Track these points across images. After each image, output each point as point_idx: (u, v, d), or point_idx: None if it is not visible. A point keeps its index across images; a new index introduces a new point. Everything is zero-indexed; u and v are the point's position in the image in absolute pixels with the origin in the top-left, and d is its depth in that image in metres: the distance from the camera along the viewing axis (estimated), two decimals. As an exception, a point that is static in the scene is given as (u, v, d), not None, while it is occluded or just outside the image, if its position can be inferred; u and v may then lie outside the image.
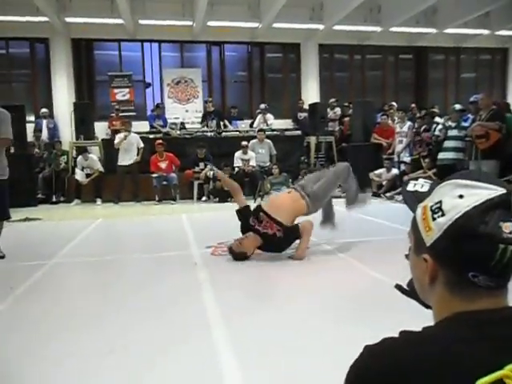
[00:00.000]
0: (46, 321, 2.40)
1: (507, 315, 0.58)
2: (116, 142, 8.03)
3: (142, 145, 8.16)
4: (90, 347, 2.03)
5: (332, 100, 10.57)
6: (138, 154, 8.12)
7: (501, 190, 0.58)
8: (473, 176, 0.61)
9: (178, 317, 2.40)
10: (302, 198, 3.67)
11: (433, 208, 0.62)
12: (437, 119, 8.17)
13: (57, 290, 3.02)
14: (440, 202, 0.61)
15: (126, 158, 8.01)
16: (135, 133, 8.33)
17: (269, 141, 8.61)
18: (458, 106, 6.99)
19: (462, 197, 0.59)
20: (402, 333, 0.61)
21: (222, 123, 9.67)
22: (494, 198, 0.57)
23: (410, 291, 0.76)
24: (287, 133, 9.49)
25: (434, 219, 0.61)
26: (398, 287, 0.80)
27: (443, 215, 0.60)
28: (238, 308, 2.52)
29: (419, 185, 0.72)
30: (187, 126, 9.70)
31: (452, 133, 6.75)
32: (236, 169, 8.17)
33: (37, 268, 3.45)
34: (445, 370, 0.52)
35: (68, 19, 9.76)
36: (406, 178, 7.18)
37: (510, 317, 0.57)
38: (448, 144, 6.75)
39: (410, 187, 0.73)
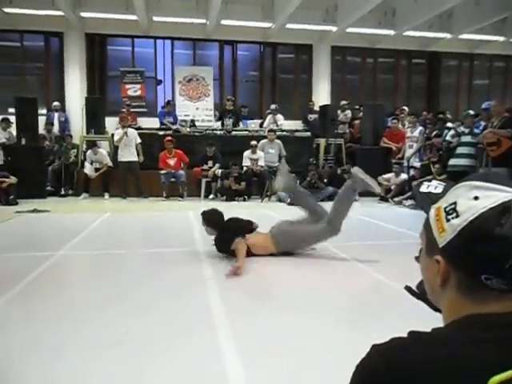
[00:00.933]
0: (48, 312, 2.41)
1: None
2: (116, 139, 8.07)
3: (139, 140, 8.18)
4: (91, 339, 2.04)
5: (343, 102, 10.54)
6: (137, 151, 8.14)
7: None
8: (487, 178, 0.60)
9: (181, 312, 2.39)
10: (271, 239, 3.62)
11: (447, 209, 0.61)
12: (448, 124, 8.11)
13: (61, 282, 3.03)
14: (455, 203, 0.60)
15: (126, 154, 8.05)
16: (139, 129, 8.36)
17: (279, 141, 8.60)
18: (472, 112, 6.93)
19: (477, 198, 0.58)
20: (411, 333, 0.60)
21: (238, 122, 9.74)
22: (510, 200, 0.56)
23: (419, 293, 0.75)
24: (297, 134, 9.47)
25: (448, 220, 0.60)
26: (408, 289, 0.79)
27: (457, 216, 0.59)
28: (242, 306, 2.52)
29: (433, 186, 0.71)
30: (197, 123, 9.73)
31: (465, 139, 6.69)
32: (244, 168, 8.17)
33: (43, 259, 3.46)
34: (454, 372, 0.51)
35: (83, 14, 9.84)
36: (414, 182, 7.14)
37: None
38: (461, 150, 6.68)
39: (424, 188, 0.72)
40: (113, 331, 2.13)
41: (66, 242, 4.15)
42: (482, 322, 0.57)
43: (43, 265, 3.34)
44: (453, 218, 0.59)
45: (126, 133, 8.00)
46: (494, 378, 0.47)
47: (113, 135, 8.99)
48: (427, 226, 0.65)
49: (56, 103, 9.89)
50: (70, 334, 2.11)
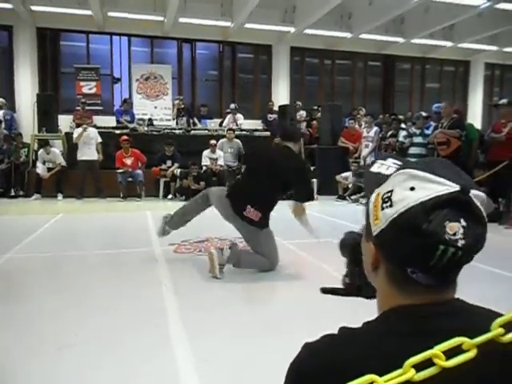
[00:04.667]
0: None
1: (444, 310, 0.57)
2: (75, 136, 7.82)
3: (99, 140, 7.97)
4: (38, 342, 1.96)
5: (298, 103, 10.62)
6: (97, 150, 7.93)
7: (454, 187, 0.54)
8: (430, 167, 0.57)
9: (136, 314, 2.34)
10: None
11: (384, 197, 0.58)
12: (402, 125, 8.40)
13: (8, 285, 2.89)
14: (391, 191, 0.58)
15: (86, 153, 7.80)
16: (98, 127, 8.14)
17: (238, 141, 8.60)
18: (423, 113, 7.22)
19: (413, 189, 0.55)
20: (341, 329, 0.60)
21: (191, 121, 9.65)
22: (444, 195, 0.54)
23: (332, 289, 0.77)
24: (256, 133, 9.51)
25: (382, 209, 0.58)
26: (323, 290, 0.81)
27: (391, 206, 0.56)
28: (196, 306, 2.50)
29: (385, 166, 0.64)
30: (155, 122, 9.56)
31: (417, 140, 6.98)
32: (204, 167, 8.11)
33: (-11, 263, 3.29)
34: (374, 366, 0.51)
35: (33, 7, 9.41)
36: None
37: (447, 312, 0.56)
38: (413, 151, 6.98)
39: (375, 168, 0.66)
40: (61, 334, 2.05)
41: (15, 244, 3.96)
42: (407, 313, 0.57)
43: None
44: (387, 207, 0.57)
45: (85, 129, 7.75)
46: (413, 359, 0.48)
47: (66, 134, 8.69)
48: (367, 210, 0.63)
49: (1, 100, 9.37)
50: (17, 337, 2.02)
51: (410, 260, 0.56)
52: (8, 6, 9.02)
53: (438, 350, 0.47)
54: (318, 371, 0.55)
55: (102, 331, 2.11)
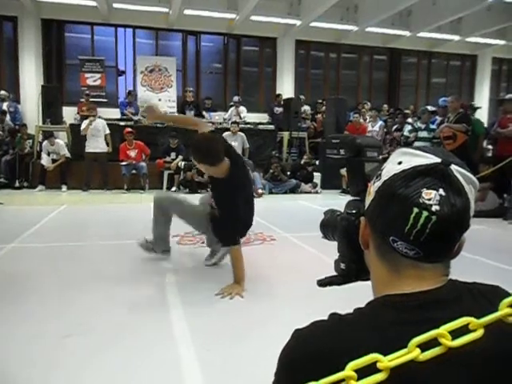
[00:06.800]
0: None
1: (435, 298, 0.56)
2: (82, 128, 7.81)
3: (107, 131, 7.97)
4: (41, 331, 1.97)
5: (301, 97, 10.57)
6: (106, 141, 7.93)
7: (435, 159, 0.56)
8: (421, 147, 0.60)
9: (139, 301, 2.35)
10: None
11: (377, 174, 0.61)
12: (408, 120, 8.35)
13: (12, 275, 2.90)
14: (383, 168, 0.61)
15: (94, 145, 7.81)
16: (103, 119, 8.14)
17: (242, 134, 8.57)
18: (430, 107, 7.15)
19: (400, 163, 0.58)
20: (331, 316, 0.60)
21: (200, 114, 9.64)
22: (424, 165, 0.56)
23: (333, 278, 0.76)
24: (260, 127, 9.47)
25: (373, 183, 0.61)
26: (320, 283, 0.79)
27: (379, 179, 0.60)
28: (198, 296, 2.50)
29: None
30: (160, 115, 9.53)
31: (422, 134, 6.92)
32: (208, 160, 8.08)
33: (-7, 252, 3.31)
34: (359, 356, 0.50)
35: (38, -2, 9.40)
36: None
37: (439, 299, 0.56)
38: (418, 145, 6.92)
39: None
40: (65, 323, 2.06)
41: (19, 234, 3.98)
42: (394, 302, 0.57)
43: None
44: (376, 181, 0.60)
45: (91, 122, 7.74)
46: (417, 338, 0.47)
47: (71, 125, 8.70)
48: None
49: (3, 92, 9.37)
50: (18, 327, 2.03)
51: (389, 227, 0.57)
52: (13, -4, 9.01)
53: (443, 329, 0.46)
54: (305, 359, 0.55)
55: (104, 322, 2.11)
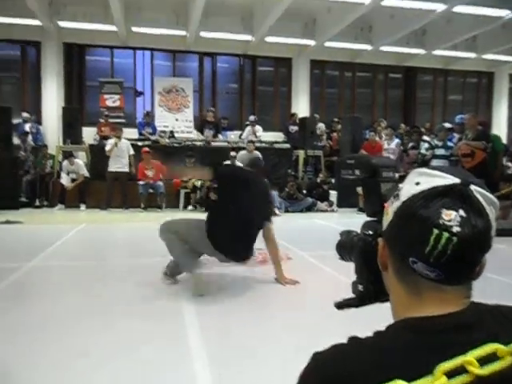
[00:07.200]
0: (13, 322, 2.33)
1: (457, 322, 0.55)
2: (107, 148, 7.93)
3: (132, 152, 8.10)
4: (57, 349, 1.97)
5: (316, 116, 10.60)
6: (130, 163, 8.05)
7: (455, 180, 0.56)
8: (439, 168, 0.60)
9: (152, 320, 2.34)
10: None
11: (394, 194, 0.62)
12: (424, 137, 8.30)
13: (30, 294, 2.94)
14: (401, 188, 0.61)
15: (116, 165, 7.93)
16: (126, 139, 8.29)
17: (258, 152, 8.61)
18: (447, 124, 7.10)
19: (418, 184, 0.58)
20: (350, 339, 0.59)
21: (218, 134, 9.80)
22: (443, 185, 0.56)
23: (351, 300, 0.75)
24: (276, 145, 9.53)
25: (391, 204, 0.61)
26: (338, 306, 0.78)
27: (398, 200, 0.60)
28: (215, 318, 2.48)
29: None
30: (176, 135, 9.69)
31: (439, 152, 6.86)
32: (224, 179, 8.12)
33: (13, 270, 3.35)
34: (379, 380, 0.49)
35: (61, 23, 9.73)
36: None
37: (460, 324, 0.54)
38: (435, 163, 6.83)
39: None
40: (81, 342, 2.06)
41: (38, 253, 4.03)
42: (415, 326, 0.56)
43: (13, 275, 3.23)
44: (395, 201, 0.60)
45: (117, 143, 7.89)
46: (445, 365, 0.46)
47: (90, 145, 8.88)
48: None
49: (26, 114, 9.67)
50: (33, 344, 2.04)
51: (409, 248, 0.57)
52: (37, 22, 9.36)
53: (471, 356, 0.45)
54: (324, 383, 0.54)
55: (120, 340, 2.11)
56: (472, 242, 0.53)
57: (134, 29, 9.98)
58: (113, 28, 9.68)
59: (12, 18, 9.35)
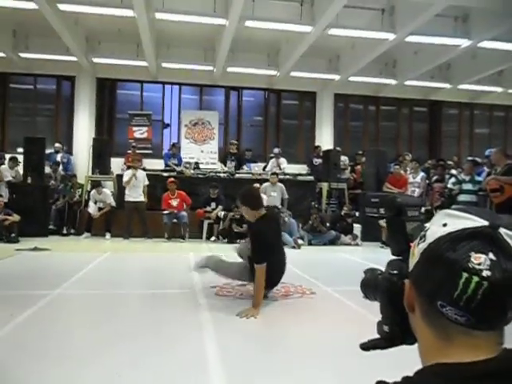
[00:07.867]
0: (39, 350, 2.35)
1: (487, 369, 0.53)
2: (125, 180, 8.11)
3: (147, 182, 8.28)
4: (81, 380, 1.97)
5: (337, 149, 10.60)
6: (143, 192, 8.21)
7: (482, 222, 0.55)
8: (465, 209, 0.59)
9: (176, 357, 2.32)
10: None
11: (421, 235, 0.61)
12: (452, 171, 8.17)
13: (57, 321, 2.97)
14: (428, 229, 0.60)
15: (134, 195, 8.09)
16: (143, 170, 8.49)
17: (281, 184, 8.64)
18: (477, 159, 7.01)
19: (445, 225, 0.57)
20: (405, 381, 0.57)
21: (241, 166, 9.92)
22: (471, 228, 0.55)
23: (377, 341, 0.73)
24: (300, 177, 9.55)
25: (418, 245, 0.60)
26: (363, 347, 0.77)
27: (424, 241, 0.59)
28: (239, 353, 2.44)
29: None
30: (201, 166, 9.86)
31: (466, 186, 6.74)
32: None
33: (40, 297, 3.41)
34: None
35: (95, 60, 10.24)
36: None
37: (492, 372, 0.53)
38: (463, 198, 6.73)
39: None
40: (104, 373, 2.06)
41: (64, 280, 4.10)
42: (446, 373, 0.54)
43: (40, 302, 3.29)
44: (421, 242, 0.59)
45: (135, 175, 8.08)
46: None
47: (118, 176, 9.11)
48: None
49: (58, 144, 10.08)
50: (61, 373, 2.05)
51: (437, 291, 0.55)
52: (73, 58, 9.87)
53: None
54: None
55: (140, 375, 2.09)
56: (503, 286, 0.52)
57: (164, 64, 10.38)
58: (144, 63, 10.11)
59: (50, 55, 9.89)
